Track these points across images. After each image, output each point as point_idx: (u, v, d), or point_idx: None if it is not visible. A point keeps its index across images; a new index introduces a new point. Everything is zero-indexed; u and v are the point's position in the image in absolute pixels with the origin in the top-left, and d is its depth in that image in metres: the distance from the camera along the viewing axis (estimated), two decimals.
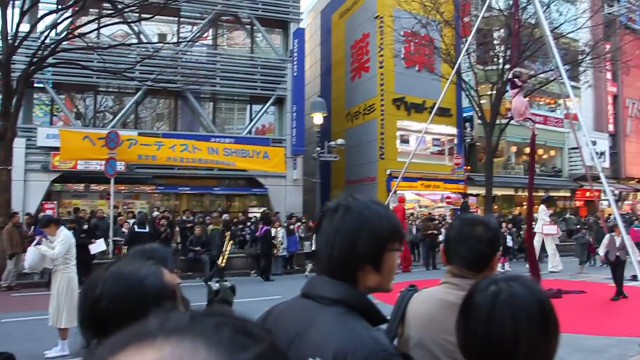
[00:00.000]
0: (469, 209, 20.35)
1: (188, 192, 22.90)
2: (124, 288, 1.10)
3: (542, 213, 16.59)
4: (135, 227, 14.56)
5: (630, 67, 29.76)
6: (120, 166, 17.93)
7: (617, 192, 35.25)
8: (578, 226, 21.95)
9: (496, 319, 1.07)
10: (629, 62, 27.66)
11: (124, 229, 15.01)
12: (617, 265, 11.71)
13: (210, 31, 23.90)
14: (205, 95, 23.68)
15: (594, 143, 31.93)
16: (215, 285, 2.28)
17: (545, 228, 15.98)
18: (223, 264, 14.37)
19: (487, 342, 1.08)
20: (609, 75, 34.88)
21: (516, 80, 11.93)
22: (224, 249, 14.37)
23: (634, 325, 8.49)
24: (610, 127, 36.02)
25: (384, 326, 1.75)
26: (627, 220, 20.91)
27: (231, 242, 14.97)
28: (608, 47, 27.42)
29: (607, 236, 12.32)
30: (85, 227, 14.02)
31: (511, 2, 20.25)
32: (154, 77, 19.45)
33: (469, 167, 26.83)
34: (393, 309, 1.89)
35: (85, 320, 1.11)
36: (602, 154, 33.55)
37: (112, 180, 15.09)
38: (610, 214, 20.53)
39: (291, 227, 17.62)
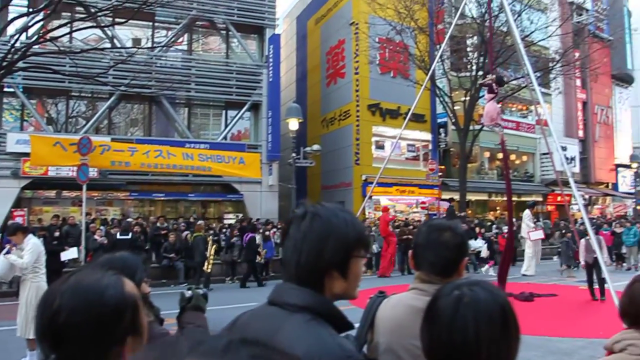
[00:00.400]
0: (455, 215, 20.52)
1: (162, 198, 22.67)
2: (83, 300, 1.07)
3: (527, 219, 16.72)
4: (118, 234, 14.82)
5: (598, 75, 30.60)
6: (93, 172, 17.67)
7: (587, 196, 36.03)
8: (563, 231, 22.10)
9: (459, 323, 1.09)
10: (597, 69, 28.43)
11: (96, 236, 14.76)
12: (592, 268, 11.90)
13: (185, 36, 23.78)
14: (180, 101, 23.50)
15: (565, 149, 32.65)
16: (187, 293, 2.27)
17: (531, 234, 16.15)
18: (209, 270, 14.34)
19: (451, 345, 1.10)
20: (578, 82, 35.71)
21: (494, 85, 12.09)
22: (208, 255, 14.34)
23: (604, 327, 8.67)
24: (580, 133, 36.84)
25: (354, 332, 1.77)
26: (596, 224, 21.34)
27: (214, 246, 14.94)
28: (577, 54, 28.08)
29: (583, 240, 12.45)
30: (57, 234, 13.77)
31: (484, 10, 20.63)
32: (127, 82, 19.21)
33: (443, 167, 27.08)
34: (362, 315, 1.90)
35: (43, 333, 1.08)
36: (573, 159, 34.30)
37: (84, 187, 14.83)
38: (580, 218, 20.94)
39: (267, 233, 17.56)
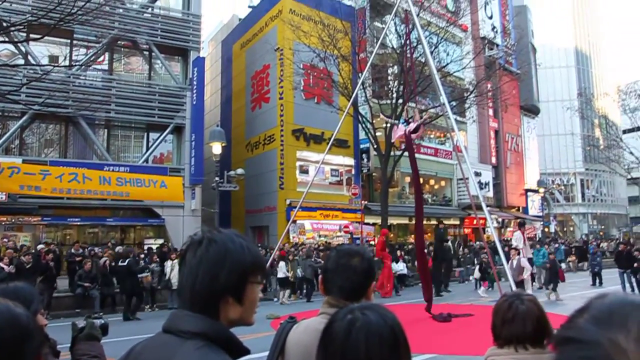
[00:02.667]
0: (444, 238, 20.43)
1: (78, 223, 21.58)
2: None
3: (515, 239, 16.54)
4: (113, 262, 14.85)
5: (508, 105, 32.67)
6: (1, 196, 16.66)
7: (500, 219, 38.02)
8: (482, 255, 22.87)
9: (351, 345, 1.15)
10: (507, 100, 30.36)
11: (2, 265, 13.82)
12: (518, 286, 12.67)
13: (106, 55, 23.09)
14: (99, 122, 22.65)
15: (479, 174, 34.40)
16: (80, 322, 2.20)
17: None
18: None
19: None
20: (490, 112, 37.92)
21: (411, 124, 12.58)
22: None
23: None
24: (493, 160, 38.95)
25: (258, 356, 1.81)
26: (507, 245, 22.49)
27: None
28: (489, 86, 29.84)
29: (513, 261, 13.45)
30: None
31: (403, 42, 21.55)
32: (42, 101, 18.35)
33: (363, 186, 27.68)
34: (273, 340, 1.96)
35: None
36: (487, 184, 36.17)
37: None
38: (492, 240, 22.02)
39: None
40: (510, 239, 32.84)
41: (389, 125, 12.91)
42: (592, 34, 62.02)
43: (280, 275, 17.30)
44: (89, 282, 14.99)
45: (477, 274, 18.79)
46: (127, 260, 14.73)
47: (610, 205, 58.99)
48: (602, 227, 57.07)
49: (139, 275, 15.02)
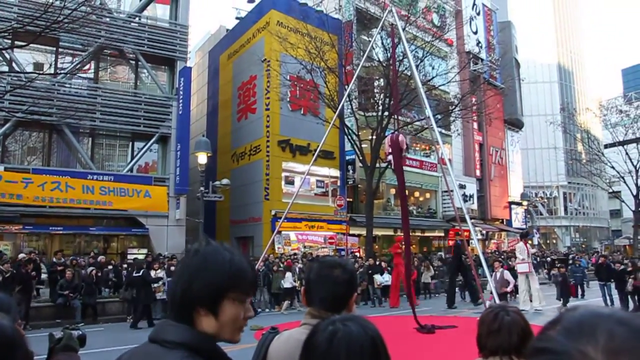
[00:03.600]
0: (462, 249, 19.28)
1: (61, 232, 21.33)
2: None
3: (518, 250, 16.22)
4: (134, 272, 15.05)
5: (493, 119, 33.05)
6: None
7: (484, 231, 38.30)
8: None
9: (333, 356, 1.17)
10: (491, 114, 30.73)
11: None
12: (502, 298, 12.77)
13: (92, 64, 22.98)
14: (83, 130, 22.48)
15: (464, 187, 34.67)
16: (58, 333, 2.18)
17: (518, 266, 15.91)
18: None
19: None
20: (475, 125, 38.29)
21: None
22: None
23: None
24: (478, 173, 39.27)
25: None
26: (491, 257, 22.62)
27: None
28: (474, 100, 30.18)
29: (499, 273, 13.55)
30: None
31: (389, 55, 21.75)
32: (26, 109, 18.21)
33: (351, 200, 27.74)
34: (255, 351, 1.97)
35: None
36: (471, 196, 36.44)
37: None
38: (476, 254, 22.14)
39: (172, 268, 17.04)
40: (502, 252, 33.16)
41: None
42: (574, 50, 63.14)
43: (287, 285, 17.33)
44: (71, 292, 14.80)
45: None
46: (141, 271, 14.88)
47: (593, 219, 59.73)
48: (585, 239, 57.71)
49: (153, 286, 15.03)
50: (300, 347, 1.27)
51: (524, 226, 42.79)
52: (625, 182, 34.82)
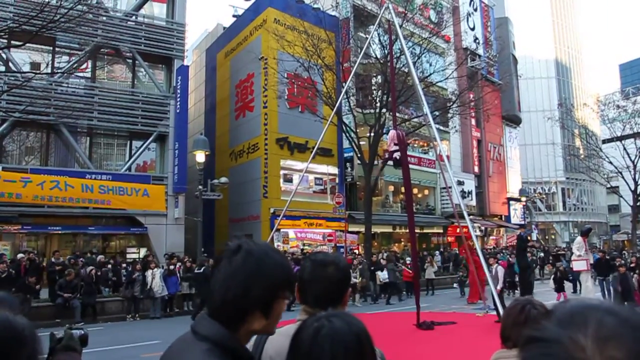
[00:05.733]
0: (525, 243, 18.43)
1: (59, 232, 21.35)
2: None
3: (576, 246, 15.44)
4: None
5: (491, 115, 33.07)
6: None
7: (483, 228, 38.37)
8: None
9: (317, 352, 1.18)
10: (489, 110, 30.75)
11: None
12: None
13: (89, 63, 22.96)
14: (81, 130, 22.48)
15: (462, 183, 34.71)
16: (59, 333, 2.18)
17: (574, 264, 15.21)
18: None
19: None
20: (473, 121, 38.33)
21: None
22: None
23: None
24: (476, 169, 39.33)
25: None
26: (491, 253, 22.63)
27: None
28: (472, 96, 30.19)
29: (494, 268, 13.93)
30: None
31: (386, 52, 21.73)
32: (23, 108, 18.19)
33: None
34: (252, 347, 1.98)
35: None
36: (470, 193, 36.49)
37: None
38: (475, 249, 22.16)
39: (171, 267, 17.08)
40: (492, 247, 33.22)
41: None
42: (571, 45, 63.16)
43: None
44: (70, 292, 14.80)
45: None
46: (202, 268, 15.47)
47: (591, 214, 59.83)
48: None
49: None
50: None
51: (522, 222, 42.91)
52: (623, 177, 34.91)
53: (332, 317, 1.25)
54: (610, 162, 35.34)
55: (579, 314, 0.68)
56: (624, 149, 34.05)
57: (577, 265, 14.92)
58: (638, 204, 34.81)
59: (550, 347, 0.66)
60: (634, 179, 33.97)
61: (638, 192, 34.21)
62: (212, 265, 1.48)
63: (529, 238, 17.85)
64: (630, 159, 33.87)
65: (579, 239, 15.58)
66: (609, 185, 43.18)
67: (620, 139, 34.76)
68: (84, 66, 22.74)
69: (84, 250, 20.81)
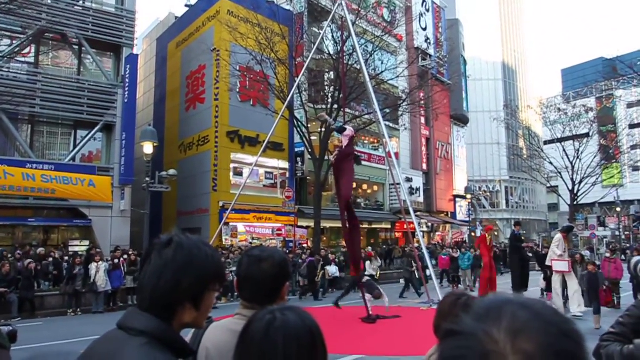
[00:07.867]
0: (520, 240, 17.69)
1: None
2: None
3: (555, 244, 13.56)
4: None
5: (439, 114, 33.84)
6: None
7: (429, 224, 39.26)
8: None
9: (269, 345, 1.19)
10: (438, 109, 31.44)
11: None
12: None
13: (33, 47, 22.03)
14: (22, 117, 21.55)
15: (410, 180, 35.35)
16: None
17: (554, 264, 13.28)
18: None
19: None
20: (422, 120, 39.06)
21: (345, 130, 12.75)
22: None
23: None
24: (424, 166, 40.13)
25: None
26: (436, 248, 23.25)
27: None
28: (422, 95, 30.77)
29: None
30: None
31: (339, 48, 21.90)
32: None
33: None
34: (189, 340, 2.00)
35: None
36: (418, 189, 37.22)
37: None
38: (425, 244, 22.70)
39: (116, 261, 16.71)
40: (438, 243, 34.07)
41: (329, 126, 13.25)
42: (518, 50, 65.26)
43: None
44: (5, 286, 14.25)
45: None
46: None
47: (532, 212, 62.11)
48: (524, 232, 59.90)
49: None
50: (233, 336, 1.30)
51: (467, 219, 44.12)
52: (562, 177, 36.34)
53: (285, 311, 1.26)
54: (551, 163, 36.75)
55: (495, 308, 0.71)
56: (564, 150, 35.44)
57: (558, 266, 13.18)
58: (575, 202, 36.42)
59: (466, 339, 0.69)
60: (572, 179, 35.46)
61: (575, 192, 35.75)
62: (142, 259, 1.46)
63: (520, 237, 17.43)
64: (569, 160, 35.30)
65: (558, 236, 13.87)
66: (549, 185, 45.00)
67: (561, 140, 36.19)
68: (26, 51, 21.78)
69: (23, 242, 20.06)
